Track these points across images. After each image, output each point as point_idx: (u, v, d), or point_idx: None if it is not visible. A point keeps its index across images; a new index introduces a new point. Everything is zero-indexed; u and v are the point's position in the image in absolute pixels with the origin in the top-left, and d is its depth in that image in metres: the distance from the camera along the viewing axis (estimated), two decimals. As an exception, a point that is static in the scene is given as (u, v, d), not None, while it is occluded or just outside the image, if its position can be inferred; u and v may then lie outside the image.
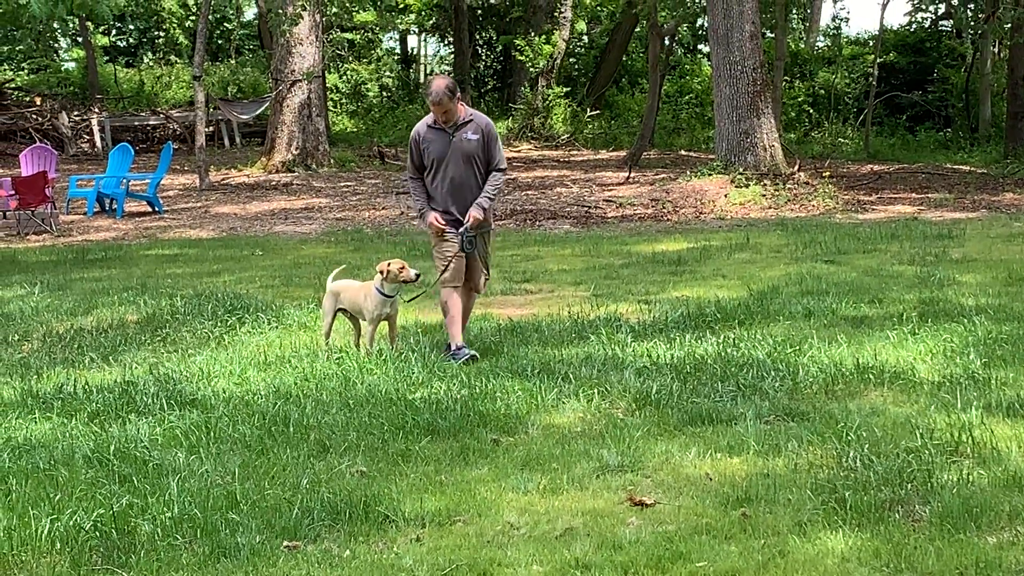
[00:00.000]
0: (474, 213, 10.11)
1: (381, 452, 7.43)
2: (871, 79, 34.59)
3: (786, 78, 36.00)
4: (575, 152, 35.15)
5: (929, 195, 23.27)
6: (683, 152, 34.47)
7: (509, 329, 10.92)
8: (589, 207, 22.12)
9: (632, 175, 27.02)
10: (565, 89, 39.44)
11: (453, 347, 10.02)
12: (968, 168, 28.31)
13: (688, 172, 25.07)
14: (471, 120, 10.18)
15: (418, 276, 10.11)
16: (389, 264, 10.03)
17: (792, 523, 6.08)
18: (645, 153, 31.07)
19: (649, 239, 17.71)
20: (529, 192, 25.00)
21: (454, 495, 6.66)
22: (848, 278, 13.02)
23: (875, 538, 5.83)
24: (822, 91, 38.37)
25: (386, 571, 5.65)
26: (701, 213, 21.23)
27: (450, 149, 10.10)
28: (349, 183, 27.71)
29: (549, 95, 38.45)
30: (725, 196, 22.20)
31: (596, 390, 8.60)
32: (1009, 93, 30.79)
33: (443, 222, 10.12)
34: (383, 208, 22.92)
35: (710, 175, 23.88)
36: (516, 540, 6.01)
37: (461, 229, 10.10)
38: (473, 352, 9.94)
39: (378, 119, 40.55)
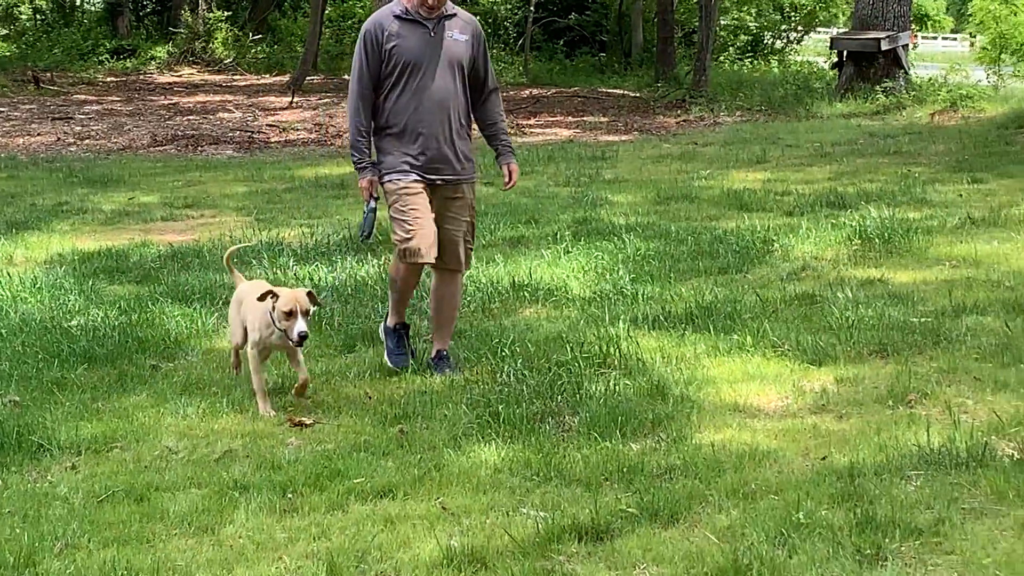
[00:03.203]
0: (515, 167, 7.53)
1: (35, 381, 7.29)
2: (529, 4, 35.10)
3: (448, 3, 36.19)
4: (238, 77, 34.60)
5: (585, 118, 23.89)
6: (346, 77, 34.28)
7: (170, 255, 10.81)
8: (252, 132, 21.86)
9: (296, 100, 26.80)
10: (226, 13, 38.74)
11: (384, 326, 7.57)
12: (622, 92, 29.12)
13: (351, 97, 24.93)
14: (455, 15, 7.24)
15: (303, 339, 6.66)
16: (278, 296, 6.70)
17: (448, 437, 6.27)
18: (309, 78, 30.85)
19: (312, 163, 17.64)
20: (191, 117, 24.53)
21: (111, 422, 6.61)
22: (506, 199, 13.27)
23: (527, 448, 6.06)
24: (483, 17, 38.80)
25: (40, 500, 5.57)
26: (365, 137, 21.20)
27: (436, 50, 7.09)
28: (1, 109, 26.63)
29: (210, 18, 37.69)
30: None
31: (257, 314, 8.60)
32: (659, 19, 31.71)
33: (372, 190, 7.12)
34: (38, 134, 22.10)
35: (373, 99, 23.83)
36: (174, 464, 6.02)
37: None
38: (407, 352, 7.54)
39: (32, 43, 38.96)
